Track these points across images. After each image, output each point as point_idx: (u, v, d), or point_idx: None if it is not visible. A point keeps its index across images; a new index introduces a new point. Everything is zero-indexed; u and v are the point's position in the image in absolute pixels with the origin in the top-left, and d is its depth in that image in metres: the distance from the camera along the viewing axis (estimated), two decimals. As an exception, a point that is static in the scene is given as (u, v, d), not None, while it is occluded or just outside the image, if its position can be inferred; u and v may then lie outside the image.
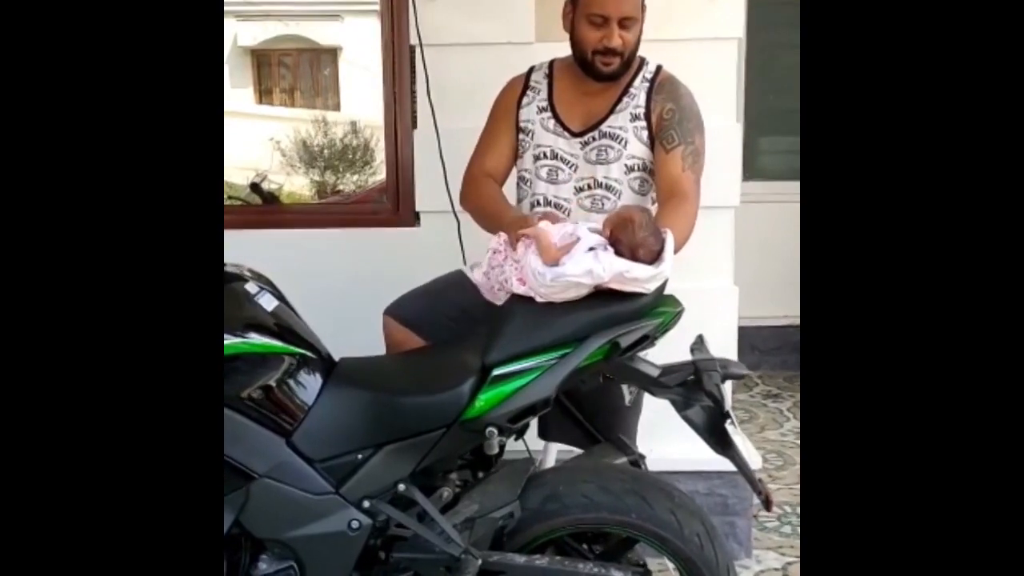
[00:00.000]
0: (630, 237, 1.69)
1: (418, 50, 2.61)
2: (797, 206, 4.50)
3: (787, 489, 3.28)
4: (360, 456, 1.72)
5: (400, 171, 2.75)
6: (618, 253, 1.70)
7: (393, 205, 2.78)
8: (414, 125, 2.72)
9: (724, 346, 2.74)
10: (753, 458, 2.83)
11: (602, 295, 1.71)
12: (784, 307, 4.61)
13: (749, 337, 3.66)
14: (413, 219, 2.78)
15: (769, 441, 3.77)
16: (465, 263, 2.50)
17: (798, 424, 3.98)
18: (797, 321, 4.64)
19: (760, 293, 3.98)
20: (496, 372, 1.68)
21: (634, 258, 1.68)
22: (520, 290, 1.76)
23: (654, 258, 1.70)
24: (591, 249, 1.69)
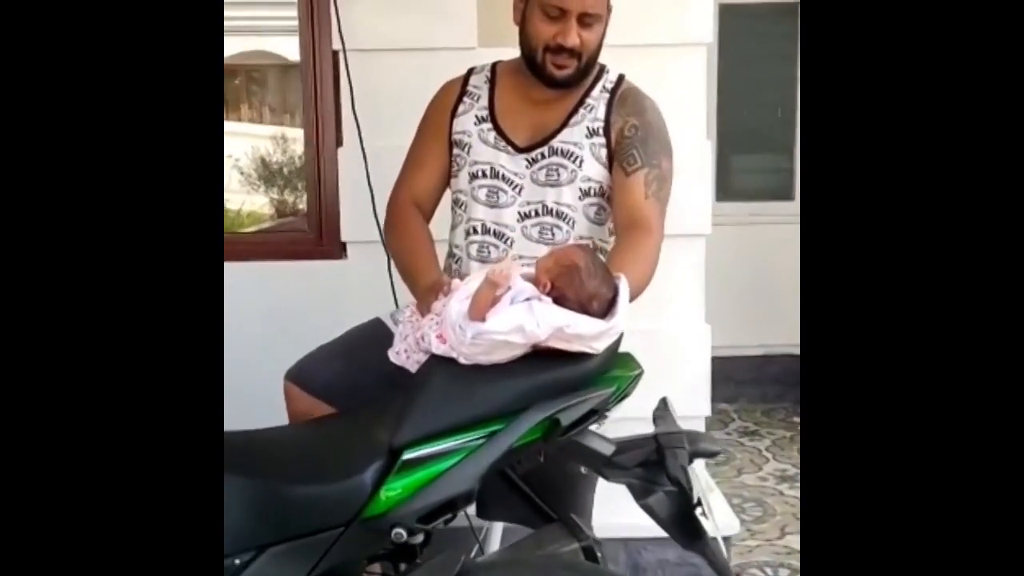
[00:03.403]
0: (578, 289, 1.36)
1: (341, 56, 2.30)
2: (768, 228, 4.20)
3: (768, 545, 2.95)
4: (238, 561, 1.36)
5: (324, 196, 2.46)
6: (560, 306, 1.36)
7: (316, 235, 2.48)
8: (339, 143, 2.42)
9: (695, 392, 2.46)
10: (730, 524, 2.52)
11: (541, 356, 1.37)
12: (759, 336, 4.38)
13: (724, 368, 3.43)
14: (339, 250, 2.46)
15: (747, 487, 3.45)
16: (397, 302, 2.18)
17: (779, 466, 3.67)
18: (773, 351, 4.50)
19: (733, 321, 3.75)
20: (406, 456, 1.33)
21: (584, 312, 1.35)
22: (440, 350, 1.42)
23: (606, 310, 1.37)
24: (526, 300, 1.35)
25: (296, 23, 2.41)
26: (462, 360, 1.40)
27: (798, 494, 3.37)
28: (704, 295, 2.46)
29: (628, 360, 1.49)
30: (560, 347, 1.35)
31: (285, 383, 1.77)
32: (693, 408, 2.41)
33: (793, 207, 4.51)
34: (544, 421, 1.34)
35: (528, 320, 1.31)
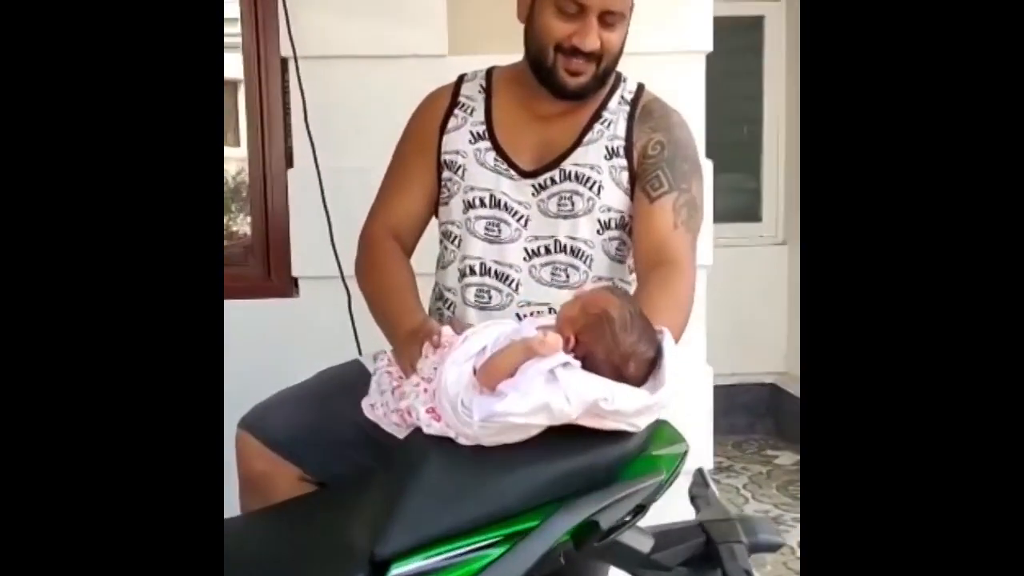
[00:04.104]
0: (610, 346, 1.09)
1: (291, 64, 2.07)
2: (734, 250, 3.98)
3: (763, 603, 2.70)
4: None
5: (271, 224, 2.20)
6: (589, 367, 1.09)
7: (263, 269, 2.21)
8: (289, 164, 2.17)
9: (696, 442, 2.19)
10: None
11: (565, 432, 1.09)
12: (732, 364, 4.16)
13: (692, 399, 3.22)
14: (290, 287, 2.22)
15: (731, 533, 3.20)
16: (360, 349, 1.90)
17: (760, 506, 3.44)
18: (743, 379, 4.29)
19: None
20: (394, 571, 1.03)
21: (618, 376, 1.08)
22: (433, 429, 1.12)
23: (647, 374, 1.10)
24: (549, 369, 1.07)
25: (232, 40, 2.18)
26: (462, 441, 1.11)
27: (787, 540, 3.15)
28: (705, 335, 2.23)
29: (667, 430, 1.22)
30: (593, 426, 1.07)
31: (238, 432, 1.46)
32: (695, 461, 2.16)
33: (761, 228, 4.32)
34: (580, 524, 1.05)
35: (555, 397, 1.02)
